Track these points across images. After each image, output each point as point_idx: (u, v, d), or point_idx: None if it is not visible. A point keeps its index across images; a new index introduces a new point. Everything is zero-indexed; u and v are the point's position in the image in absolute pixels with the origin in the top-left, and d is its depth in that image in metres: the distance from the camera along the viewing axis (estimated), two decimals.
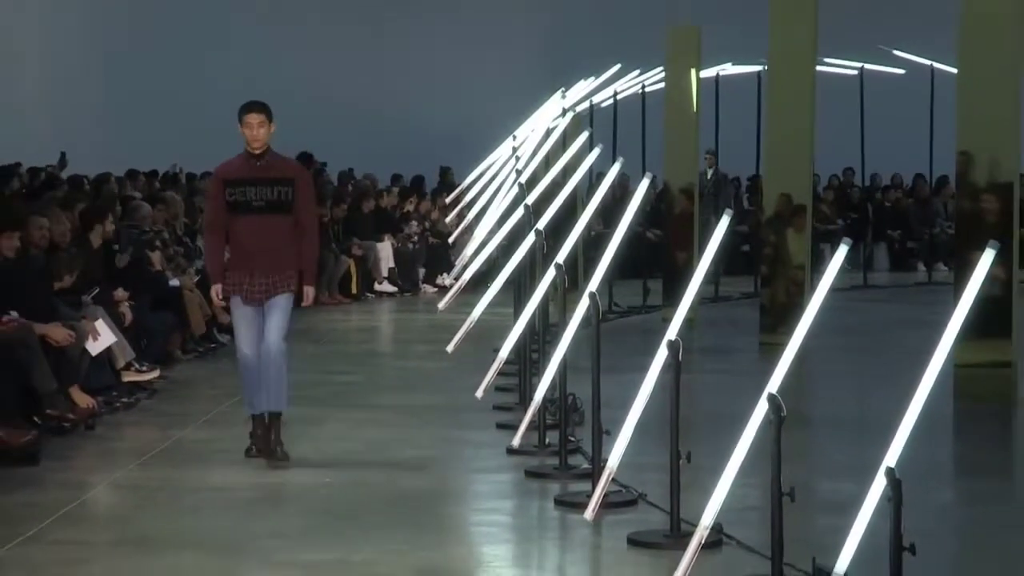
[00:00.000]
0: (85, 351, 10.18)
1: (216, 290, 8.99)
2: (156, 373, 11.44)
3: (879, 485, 5.34)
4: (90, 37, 20.67)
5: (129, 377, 11.05)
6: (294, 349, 14.61)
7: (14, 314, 9.47)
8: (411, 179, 22.06)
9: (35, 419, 9.34)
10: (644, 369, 7.07)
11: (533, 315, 9.51)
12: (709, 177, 20.95)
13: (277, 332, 8.87)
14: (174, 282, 13.27)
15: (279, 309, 8.85)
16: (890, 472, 5.30)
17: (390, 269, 19.80)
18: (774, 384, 5.97)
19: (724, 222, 7.03)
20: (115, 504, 8.31)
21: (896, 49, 22.66)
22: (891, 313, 17.96)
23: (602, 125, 17.68)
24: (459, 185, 19.37)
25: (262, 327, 8.85)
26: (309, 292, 9.07)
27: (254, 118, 8.85)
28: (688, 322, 6.97)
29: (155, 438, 9.78)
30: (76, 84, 20.32)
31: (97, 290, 11.14)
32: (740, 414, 6.18)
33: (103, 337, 10.47)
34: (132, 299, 11.71)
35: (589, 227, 9.86)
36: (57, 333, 9.70)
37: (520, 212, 10.54)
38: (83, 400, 9.84)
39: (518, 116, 15.23)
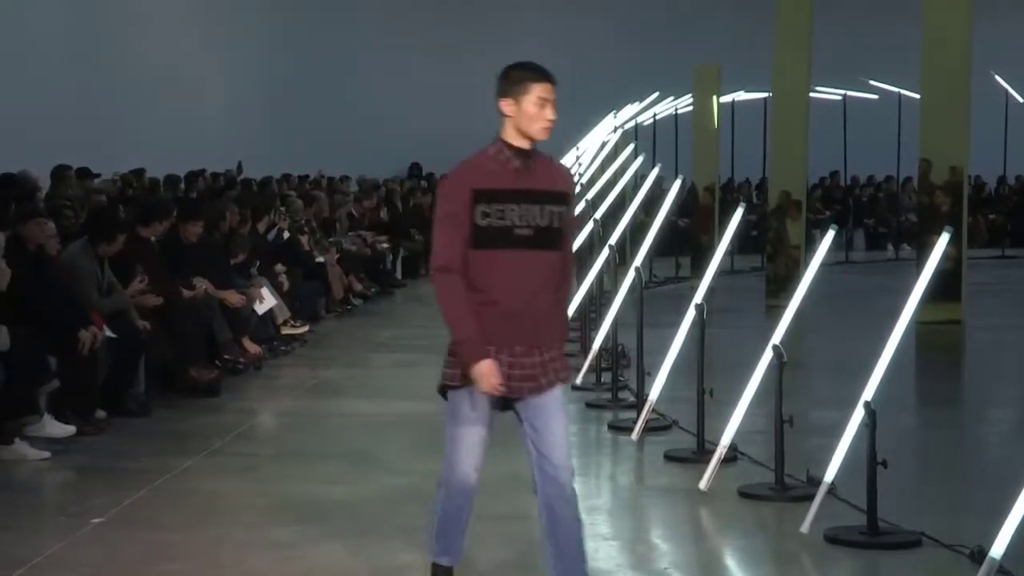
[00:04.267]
0: (253, 311, 10.26)
1: (488, 371, 4.23)
2: (306, 328, 11.51)
3: (858, 414, 5.29)
4: (258, 70, 20.80)
5: (286, 331, 11.13)
6: (406, 311, 14.82)
7: (204, 282, 9.51)
8: None
9: (216, 362, 9.45)
10: (677, 326, 7.04)
11: (592, 283, 9.48)
12: None
13: (566, 450, 4.31)
14: (319, 259, 13.33)
15: (560, 411, 4.34)
16: (867, 404, 5.25)
17: None
18: (777, 336, 5.92)
19: (738, 213, 6.97)
20: (277, 426, 8.39)
21: (872, 79, 22.35)
22: (867, 283, 17.75)
23: (644, 139, 17.58)
24: None
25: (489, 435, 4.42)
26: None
27: (548, 90, 4.21)
28: (710, 290, 6.93)
29: (306, 376, 9.85)
30: (247, 107, 20.46)
31: (259, 264, 11.20)
32: (751, 360, 6.15)
33: (267, 300, 10.54)
34: (288, 272, 11.78)
35: (634, 217, 9.80)
36: (233, 297, 9.78)
37: (582, 205, 10.51)
38: (252, 348, 9.94)
39: (580, 132, 15.19)
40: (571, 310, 9.24)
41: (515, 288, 4.18)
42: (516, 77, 4.22)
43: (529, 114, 4.18)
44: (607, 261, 9.02)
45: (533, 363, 4.25)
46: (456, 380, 4.32)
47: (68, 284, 7.79)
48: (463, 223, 4.17)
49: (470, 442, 4.40)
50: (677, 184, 8.35)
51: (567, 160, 14.26)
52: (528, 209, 4.17)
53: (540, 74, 4.22)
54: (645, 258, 8.21)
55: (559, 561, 4.23)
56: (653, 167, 9.76)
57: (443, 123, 21.80)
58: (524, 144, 4.20)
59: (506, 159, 4.22)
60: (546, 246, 4.20)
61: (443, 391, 4.41)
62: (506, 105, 4.20)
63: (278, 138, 20.02)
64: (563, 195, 4.27)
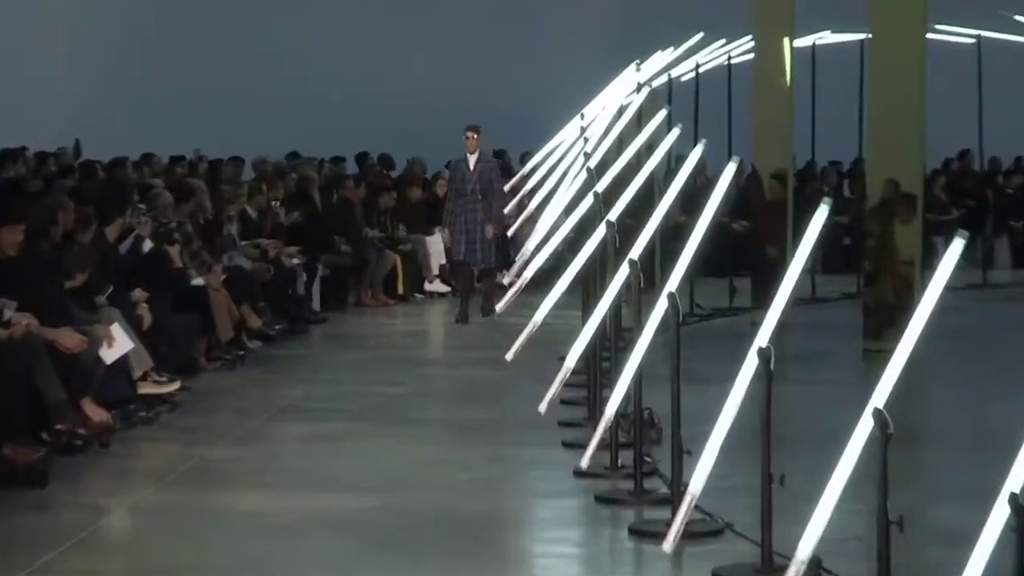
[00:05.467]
0: (99, 359, 10.21)
1: None
2: (177, 384, 11.47)
3: (1001, 513, 5.28)
4: (108, 7, 20.87)
5: (147, 388, 11.07)
6: (326, 359, 14.77)
7: (25, 316, 9.42)
8: None
9: (43, 436, 9.37)
10: (731, 379, 7.02)
11: (604, 318, 9.48)
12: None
13: None
14: (198, 281, 13.30)
15: None
16: (1014, 498, 5.24)
17: (441, 266, 19.79)
18: (880, 397, 5.91)
19: (822, 212, 6.98)
20: (133, 531, 8.35)
21: (1019, 14, 22.47)
22: (1014, 315, 17.80)
23: (682, 101, 17.63)
24: (519, 171, 19.36)
25: None
26: None
27: None
28: (781, 326, 6.92)
29: (177, 457, 9.82)
30: (90, 59, 20.47)
31: (111, 289, 11.17)
32: (841, 431, 6.13)
33: (119, 343, 10.48)
34: (151, 300, 11.75)
35: (668, 217, 9.81)
36: (68, 339, 9.69)
37: (589, 201, 10.51)
38: (97, 414, 9.85)
39: (587, 92, 15.20)
40: (572, 352, 9.27)
41: None
42: None
43: None
44: (627, 283, 9.03)
45: None
46: None
47: None
48: None
49: None
50: (731, 169, 8.36)
51: (568, 133, 14.26)
52: None
53: None
54: (683, 279, 8.21)
55: None
56: (695, 144, 9.77)
57: (368, 81, 21.84)
58: None
59: None
60: None
61: None
62: None
63: (135, 105, 20.04)
64: None
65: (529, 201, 13.91)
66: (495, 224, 17.27)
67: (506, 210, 15.72)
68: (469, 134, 17.71)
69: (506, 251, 18.88)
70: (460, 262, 17.59)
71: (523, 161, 21.80)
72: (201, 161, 19.19)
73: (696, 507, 7.35)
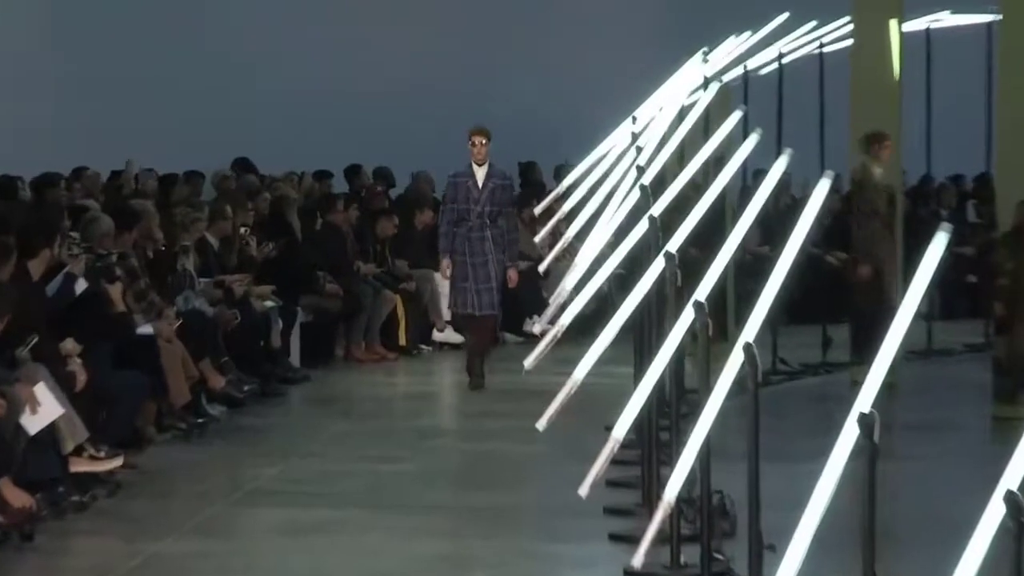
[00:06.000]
0: (20, 428, 10.24)
1: None
2: (119, 461, 11.48)
3: None
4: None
5: (81, 466, 11.09)
6: (317, 423, 14.76)
7: None
8: None
9: None
10: (824, 454, 7.02)
11: (662, 377, 9.48)
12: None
13: None
14: (145, 329, 13.31)
15: None
16: None
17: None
18: (1014, 476, 5.90)
19: (940, 242, 6.97)
20: None
21: None
22: None
23: (761, 100, 17.64)
24: (553, 189, 19.37)
25: None
26: None
27: None
28: (888, 387, 6.91)
29: (119, 553, 9.83)
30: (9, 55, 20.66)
31: (35, 339, 11.17)
32: (964, 519, 6.12)
33: (45, 408, 10.51)
34: (86, 353, 11.76)
35: (743, 248, 9.82)
36: None
37: (643, 227, 10.53)
38: (17, 498, 9.88)
39: (640, 88, 15.24)
40: (622, 421, 9.27)
41: None
42: None
43: None
44: (691, 332, 9.03)
45: None
46: None
47: None
48: None
49: None
50: (823, 187, 8.35)
51: (616, 141, 14.29)
52: None
53: None
54: (763, 326, 8.21)
55: None
56: (778, 154, 9.77)
57: (368, 90, 21.92)
58: None
59: None
60: None
61: None
62: None
63: (60, 108, 20.14)
64: None
65: (566, 228, 13.92)
66: (515, 263, 16.79)
67: (537, 239, 15.63)
68: (476, 139, 16.89)
69: (537, 292, 18.91)
70: (468, 316, 17.03)
71: (558, 177, 21.86)
72: (149, 177, 19.21)
73: None
